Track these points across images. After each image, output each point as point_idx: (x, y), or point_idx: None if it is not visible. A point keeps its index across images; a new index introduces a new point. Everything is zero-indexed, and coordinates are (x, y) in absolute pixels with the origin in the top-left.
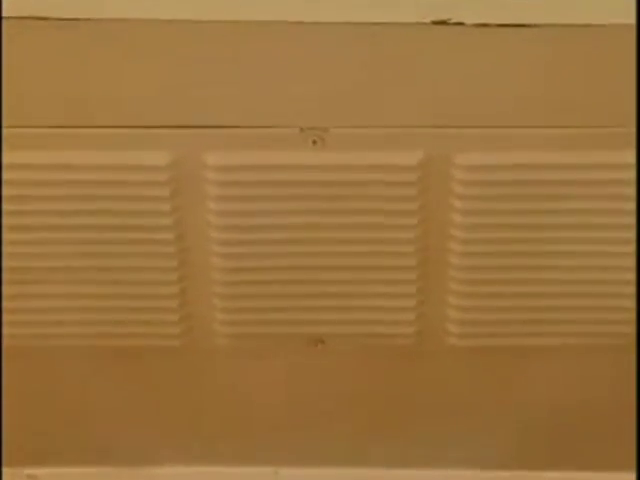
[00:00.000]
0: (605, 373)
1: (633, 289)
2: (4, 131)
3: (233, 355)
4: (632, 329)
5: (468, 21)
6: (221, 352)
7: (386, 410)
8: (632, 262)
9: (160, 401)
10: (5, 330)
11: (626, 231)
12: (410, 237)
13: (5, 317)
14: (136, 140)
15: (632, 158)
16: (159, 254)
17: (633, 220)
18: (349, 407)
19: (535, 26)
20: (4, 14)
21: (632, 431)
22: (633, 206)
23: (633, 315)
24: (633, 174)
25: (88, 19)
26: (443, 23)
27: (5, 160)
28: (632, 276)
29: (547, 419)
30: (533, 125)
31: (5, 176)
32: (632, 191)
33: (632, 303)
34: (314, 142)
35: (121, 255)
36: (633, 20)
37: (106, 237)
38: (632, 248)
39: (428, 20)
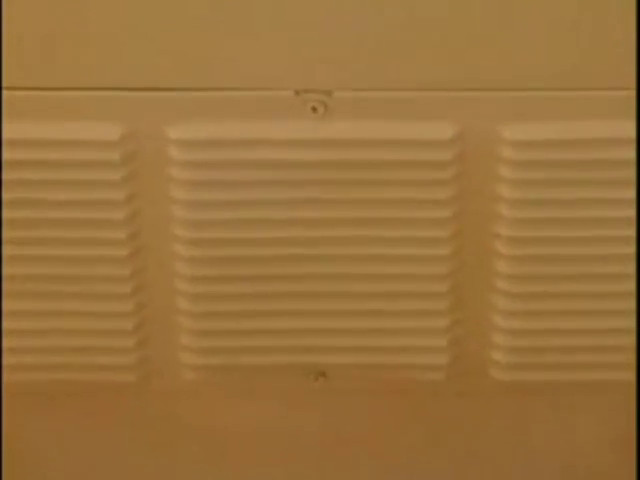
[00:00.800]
0: None
1: None
2: None
3: (204, 394)
4: None
5: None
6: (189, 389)
7: (405, 464)
8: None
9: (116, 450)
10: None
11: None
12: (442, 236)
13: None
14: (78, 107)
15: None
16: (107, 258)
17: None
18: (357, 459)
19: None
20: None
21: None
22: None
23: None
24: None
25: None
26: None
27: None
28: None
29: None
30: (602, 87)
31: None
32: None
33: None
34: (313, 109)
35: (59, 259)
36: None
37: (41, 235)
38: None
39: None
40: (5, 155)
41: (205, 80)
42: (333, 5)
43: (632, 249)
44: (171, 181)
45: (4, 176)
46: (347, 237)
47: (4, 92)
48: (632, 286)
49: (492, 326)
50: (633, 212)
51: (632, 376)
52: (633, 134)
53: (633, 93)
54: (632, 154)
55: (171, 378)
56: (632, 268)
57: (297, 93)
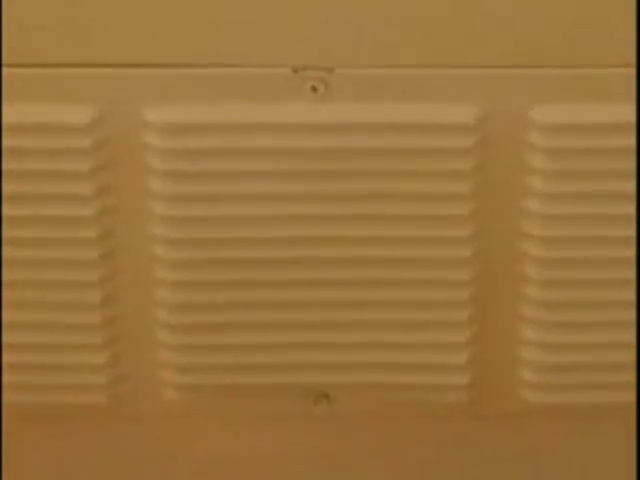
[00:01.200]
0: None
1: None
2: None
3: (188, 418)
4: None
5: None
6: (170, 413)
7: None
8: None
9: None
10: None
11: None
12: (461, 235)
13: None
14: (40, 86)
15: None
16: (74, 261)
17: None
18: None
19: None
20: None
21: None
22: None
23: None
24: None
25: None
26: None
27: None
28: None
29: None
30: None
31: None
32: None
33: None
34: (313, 89)
35: (18, 262)
36: None
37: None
38: None
39: None
40: None
41: (189, 56)
42: None
43: None
44: (149, 172)
45: None
46: (351, 237)
47: None
48: None
49: (520, 339)
50: None
51: None
52: None
53: None
54: None
55: (149, 400)
56: None
57: (294, 70)
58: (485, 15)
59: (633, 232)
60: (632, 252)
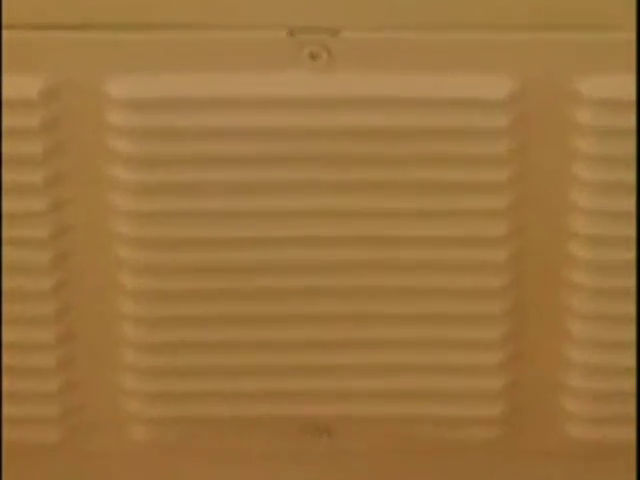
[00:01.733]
0: None
1: None
2: None
3: (160, 457)
4: None
5: None
6: (137, 451)
7: None
8: None
9: None
10: None
11: None
12: (494, 235)
13: None
14: None
15: None
16: (22, 266)
17: None
18: None
19: None
20: None
21: None
22: None
23: None
24: None
25: None
26: None
27: None
28: None
29: None
30: None
31: None
32: None
33: None
34: (313, 56)
35: None
36: None
37: None
38: None
39: None
40: None
41: (160, 14)
42: None
43: None
44: (112, 156)
45: None
46: (356, 236)
47: None
48: None
49: (565, 362)
50: None
51: None
52: None
53: None
54: None
55: (112, 436)
56: None
57: (291, 33)
58: None
59: None
60: None
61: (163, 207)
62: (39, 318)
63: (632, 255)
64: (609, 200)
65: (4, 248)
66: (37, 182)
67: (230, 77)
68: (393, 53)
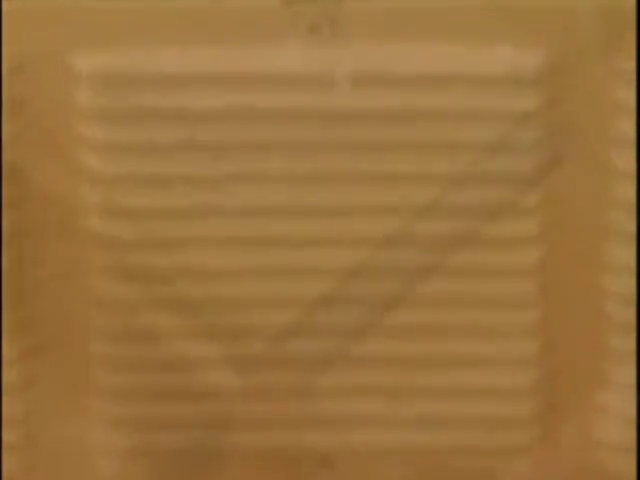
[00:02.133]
0: None
1: None
2: None
3: None
4: None
5: None
6: None
7: None
8: None
9: None
10: None
11: None
12: (527, 233)
13: None
14: None
15: None
16: None
17: None
18: None
19: None
20: None
21: None
22: None
23: None
24: None
25: None
26: None
27: None
28: None
29: None
30: None
31: None
32: None
33: None
34: (312, 28)
35: None
36: None
37: None
38: None
39: None
40: None
41: None
42: None
43: None
44: (79, 142)
45: None
46: (361, 237)
47: None
48: None
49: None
50: None
51: None
52: None
53: None
54: None
55: (73, 468)
56: None
57: (286, 2)
58: None
59: None
60: None
61: (136, 202)
62: None
63: None
64: None
65: None
66: None
67: (216, 52)
68: (404, 24)
